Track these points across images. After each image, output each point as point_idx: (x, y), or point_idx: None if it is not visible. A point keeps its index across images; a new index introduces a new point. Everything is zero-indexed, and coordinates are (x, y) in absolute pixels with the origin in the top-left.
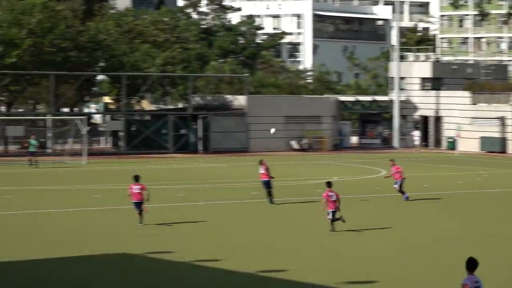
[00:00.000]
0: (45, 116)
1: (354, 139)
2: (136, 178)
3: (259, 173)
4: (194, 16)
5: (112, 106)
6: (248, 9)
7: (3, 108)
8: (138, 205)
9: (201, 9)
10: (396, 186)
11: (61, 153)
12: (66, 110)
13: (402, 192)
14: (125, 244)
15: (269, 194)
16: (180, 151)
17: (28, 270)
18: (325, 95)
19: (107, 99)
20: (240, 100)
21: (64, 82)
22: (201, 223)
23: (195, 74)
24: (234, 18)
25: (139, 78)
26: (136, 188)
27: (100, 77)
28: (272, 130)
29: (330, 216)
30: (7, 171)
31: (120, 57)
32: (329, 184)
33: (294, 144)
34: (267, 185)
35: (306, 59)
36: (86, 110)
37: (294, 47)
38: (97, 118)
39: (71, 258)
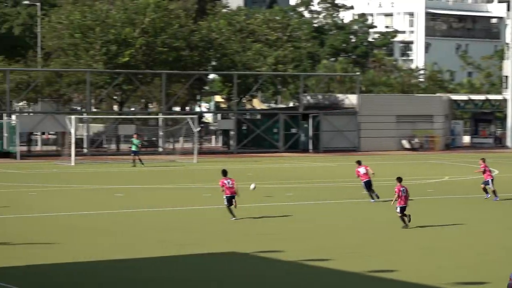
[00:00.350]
0: (157, 115)
1: (466, 139)
2: (225, 173)
3: (360, 174)
4: (306, 14)
5: (223, 105)
6: (360, 8)
7: (116, 107)
8: (230, 199)
9: (313, 8)
10: (489, 185)
11: (172, 152)
12: (177, 109)
13: (486, 191)
14: (236, 243)
15: (372, 192)
16: (291, 150)
17: (144, 270)
18: (437, 94)
19: (218, 98)
20: (351, 99)
21: (175, 81)
22: (309, 222)
23: (306, 73)
24: (346, 17)
25: (251, 77)
26: (228, 183)
27: (211, 76)
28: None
29: (398, 212)
30: (119, 169)
31: (232, 56)
32: (399, 179)
33: (405, 143)
34: (369, 185)
35: (418, 58)
36: (197, 109)
37: (406, 46)
38: (208, 117)
39: (184, 257)
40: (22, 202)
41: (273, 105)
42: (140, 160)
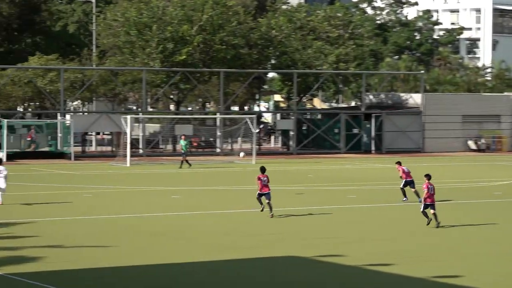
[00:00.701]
0: (215, 114)
1: None
2: (263, 170)
3: (400, 174)
4: (369, 11)
5: (282, 105)
6: (425, 4)
7: (172, 107)
8: (267, 196)
9: (376, 4)
10: None
11: (230, 153)
12: (235, 108)
13: None
14: (294, 247)
15: (417, 194)
16: (352, 151)
17: (200, 274)
18: (504, 93)
19: (277, 97)
20: (415, 98)
21: (234, 79)
22: (371, 225)
23: (368, 71)
24: (410, 13)
25: (311, 75)
26: (264, 180)
27: (271, 74)
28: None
29: (422, 209)
30: (175, 170)
31: (292, 54)
32: (428, 176)
33: (472, 144)
34: (411, 185)
35: (485, 56)
36: (256, 108)
37: (473, 43)
38: (267, 117)
39: (240, 261)
40: (77, 204)
41: (334, 105)
42: (187, 161)
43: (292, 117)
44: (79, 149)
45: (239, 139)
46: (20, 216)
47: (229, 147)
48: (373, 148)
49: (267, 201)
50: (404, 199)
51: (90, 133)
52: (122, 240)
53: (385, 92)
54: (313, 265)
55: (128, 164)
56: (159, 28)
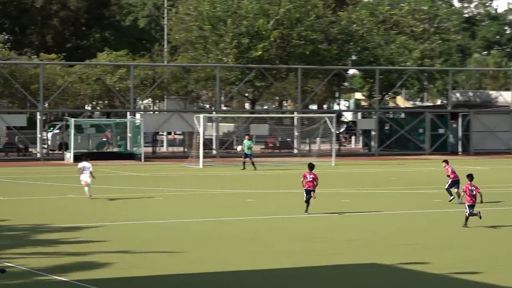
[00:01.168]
0: (292, 113)
1: None
2: (311, 167)
3: (449, 173)
4: (456, 4)
5: (363, 103)
6: None
7: (247, 105)
8: (308, 192)
9: None
10: None
11: (308, 154)
12: (314, 107)
13: None
14: (376, 253)
15: (458, 195)
16: (438, 152)
17: (274, 282)
18: None
19: (358, 95)
20: (505, 97)
21: (312, 76)
22: (456, 231)
23: (455, 68)
24: (500, 6)
25: (394, 72)
26: (309, 177)
27: (351, 71)
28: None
29: (467, 211)
30: (252, 173)
31: (374, 50)
32: (470, 177)
33: None
34: (457, 185)
35: None
36: (335, 107)
37: None
38: (348, 116)
39: (319, 268)
40: (147, 207)
41: (418, 103)
42: (252, 163)
43: (374, 117)
44: (149, 149)
45: (318, 139)
46: (88, 220)
47: (307, 148)
48: (460, 149)
49: (313, 195)
50: (452, 197)
51: (161, 133)
52: (194, 245)
53: (473, 90)
54: (398, 272)
55: (200, 166)
56: (234, 22)
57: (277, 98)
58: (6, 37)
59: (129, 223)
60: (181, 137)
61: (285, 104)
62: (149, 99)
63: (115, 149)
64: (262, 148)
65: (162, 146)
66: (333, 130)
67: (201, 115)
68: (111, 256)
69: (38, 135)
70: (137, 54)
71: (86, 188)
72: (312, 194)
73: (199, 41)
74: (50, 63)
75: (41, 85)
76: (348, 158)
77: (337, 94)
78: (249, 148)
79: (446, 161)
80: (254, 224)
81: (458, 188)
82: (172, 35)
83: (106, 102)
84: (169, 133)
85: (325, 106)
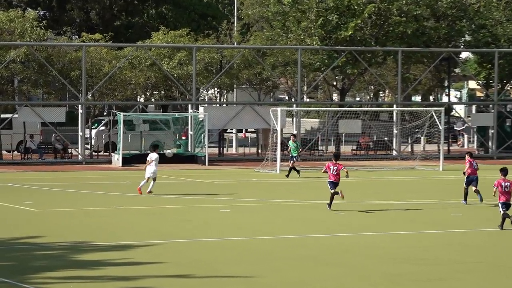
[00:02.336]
0: (391, 106)
1: None
2: (336, 157)
3: (466, 168)
4: None
5: (479, 94)
6: None
7: (336, 97)
8: (334, 185)
9: None
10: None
11: (410, 157)
12: (417, 98)
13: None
14: (488, 278)
15: (478, 193)
16: None
17: None
18: None
19: (472, 84)
20: None
21: (416, 61)
22: None
23: None
24: None
25: None
26: (333, 168)
27: (464, 54)
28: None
29: (500, 210)
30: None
31: (493, 28)
32: (504, 171)
33: None
34: (474, 182)
35: None
36: (444, 99)
37: None
38: (459, 110)
39: None
40: (211, 221)
41: None
42: (294, 168)
43: (492, 110)
44: (215, 150)
45: (422, 138)
46: (139, 236)
47: (409, 149)
48: None
49: (336, 190)
50: (463, 201)
51: (229, 130)
52: (268, 268)
53: None
54: None
55: (278, 171)
56: None
57: (372, 87)
58: (42, 13)
59: (189, 240)
60: (253, 135)
61: (382, 96)
62: (215, 89)
63: (173, 150)
64: (353, 149)
65: (231, 146)
66: (441, 127)
67: (279, 109)
68: (167, 281)
69: (80, 133)
70: (201, 33)
71: (150, 183)
72: (340, 193)
73: (276, 18)
74: (94, 45)
75: (84, 72)
76: (458, 161)
77: (446, 83)
78: (295, 149)
79: (469, 154)
80: (340, 241)
81: (476, 185)
82: (244, 10)
83: (163, 92)
84: (240, 131)
85: (431, 98)
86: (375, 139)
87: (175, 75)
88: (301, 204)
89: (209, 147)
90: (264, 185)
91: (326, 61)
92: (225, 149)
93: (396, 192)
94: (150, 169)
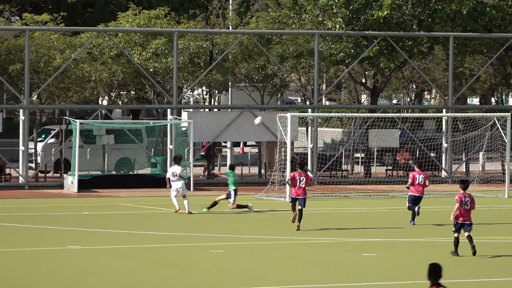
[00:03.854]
0: (441, 111)
1: None
2: (302, 166)
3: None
4: None
5: None
6: None
7: (365, 98)
8: (302, 201)
9: None
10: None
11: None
12: (475, 101)
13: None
14: None
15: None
16: None
17: None
18: None
19: None
20: None
21: (473, 51)
22: None
23: None
24: None
25: None
26: (300, 180)
27: None
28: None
29: (453, 230)
30: (364, 210)
31: None
32: (464, 183)
33: None
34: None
35: None
36: (511, 101)
37: None
38: None
39: None
40: (198, 265)
41: None
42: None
43: None
44: (202, 170)
45: (482, 154)
46: (95, 284)
47: (463, 169)
48: None
49: (299, 207)
50: (411, 222)
51: (223, 144)
52: None
53: None
54: None
55: (287, 198)
56: None
57: (414, 87)
58: None
59: None
60: (255, 150)
61: (427, 97)
62: (204, 88)
63: (147, 170)
64: (388, 169)
65: (225, 165)
66: (506, 139)
67: (289, 114)
68: None
69: (22, 147)
70: (185, 14)
71: (181, 201)
72: (301, 205)
73: None
74: (41, 29)
75: (27, 66)
76: None
77: None
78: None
79: (418, 164)
80: None
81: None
82: None
83: (133, 93)
84: (236, 145)
85: (493, 100)
86: (417, 155)
87: (150, 70)
88: (320, 243)
89: (195, 166)
90: (268, 217)
91: (352, 51)
92: (216, 167)
93: (444, 226)
94: (175, 185)
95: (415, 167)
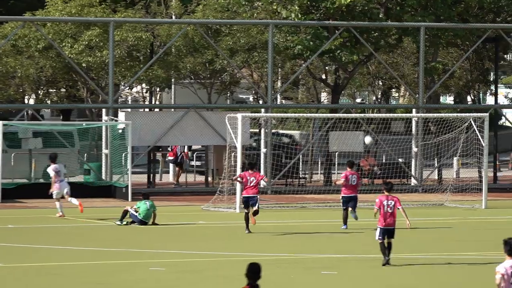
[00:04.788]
0: (410, 112)
1: None
2: (252, 166)
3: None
4: None
5: None
6: None
7: (325, 97)
8: (254, 200)
9: None
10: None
11: (436, 187)
12: (449, 100)
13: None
14: None
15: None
16: None
17: None
18: None
19: None
20: None
21: (446, 43)
22: None
23: None
24: None
25: None
26: (251, 180)
27: None
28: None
29: (378, 237)
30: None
31: None
32: (387, 185)
33: None
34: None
35: None
36: (489, 100)
37: None
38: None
39: None
40: (137, 285)
41: None
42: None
43: None
44: (143, 178)
45: (456, 160)
46: None
47: (435, 177)
48: None
49: (254, 208)
50: (343, 227)
51: (167, 148)
52: None
53: None
54: None
55: (237, 209)
56: None
57: (381, 83)
58: None
59: None
60: (201, 155)
61: (396, 95)
62: (143, 85)
63: (80, 178)
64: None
65: (167, 172)
66: (484, 143)
67: (239, 115)
68: None
69: None
70: (122, 1)
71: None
72: (250, 206)
73: None
74: None
75: None
76: (506, 195)
77: (492, 76)
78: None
79: (350, 163)
80: None
81: (355, 209)
82: None
83: (64, 91)
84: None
85: (469, 99)
86: (384, 161)
87: (82, 65)
88: (274, 259)
89: (134, 173)
90: (216, 231)
91: (311, 43)
92: (158, 175)
93: (416, 242)
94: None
95: (347, 166)
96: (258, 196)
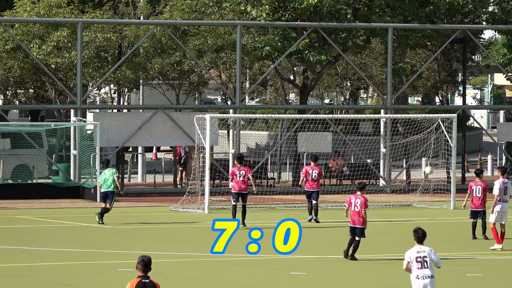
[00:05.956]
0: (378, 112)
1: None
2: (241, 159)
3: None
4: None
5: (510, 94)
6: None
7: (293, 98)
8: (240, 196)
9: None
10: None
11: (405, 188)
12: (417, 100)
13: None
14: None
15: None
16: None
17: None
18: None
19: (500, 78)
20: None
21: (414, 44)
22: None
23: None
24: None
25: None
26: (240, 175)
27: (487, 33)
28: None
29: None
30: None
31: None
32: (360, 185)
33: None
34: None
35: None
36: (457, 101)
37: None
38: (479, 118)
39: None
40: (104, 285)
41: None
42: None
43: None
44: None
45: (424, 161)
46: None
47: (404, 178)
48: None
49: (242, 203)
50: (310, 217)
51: (135, 150)
52: None
53: None
54: None
55: (206, 210)
56: None
57: (349, 84)
58: None
59: None
60: (170, 156)
61: (363, 96)
62: (112, 86)
63: (48, 180)
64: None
65: (135, 173)
66: (452, 143)
67: (207, 116)
68: None
69: None
70: (90, 2)
71: None
72: (245, 200)
73: None
74: None
75: None
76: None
77: (460, 77)
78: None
79: (313, 158)
80: None
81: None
82: None
83: (32, 91)
84: (148, 150)
85: (437, 99)
86: (352, 161)
87: (51, 65)
88: (243, 260)
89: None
90: (185, 232)
91: (279, 44)
92: (126, 176)
93: (385, 242)
94: None
95: (310, 161)
96: (248, 193)
